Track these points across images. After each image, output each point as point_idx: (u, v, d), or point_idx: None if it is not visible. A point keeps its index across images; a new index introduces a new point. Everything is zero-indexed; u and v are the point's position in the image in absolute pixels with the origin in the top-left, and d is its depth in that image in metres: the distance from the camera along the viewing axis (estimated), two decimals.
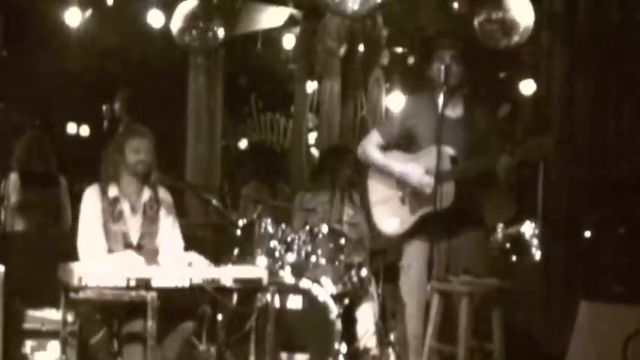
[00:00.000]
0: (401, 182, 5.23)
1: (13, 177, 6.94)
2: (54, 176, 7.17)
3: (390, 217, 5.24)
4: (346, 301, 5.81)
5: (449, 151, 5.02)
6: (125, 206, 4.97)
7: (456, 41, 5.25)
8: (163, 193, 5.14)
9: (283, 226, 5.77)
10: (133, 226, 4.97)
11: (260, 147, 10.90)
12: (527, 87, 9.06)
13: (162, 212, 5.08)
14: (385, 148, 5.36)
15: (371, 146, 5.40)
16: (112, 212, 4.93)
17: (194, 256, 4.88)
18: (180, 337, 4.78)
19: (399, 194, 5.26)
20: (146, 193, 5.04)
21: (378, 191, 5.32)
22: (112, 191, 4.97)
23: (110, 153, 5.10)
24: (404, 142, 5.29)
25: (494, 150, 4.99)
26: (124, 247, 4.89)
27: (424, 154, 5.12)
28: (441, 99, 4.95)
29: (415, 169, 5.16)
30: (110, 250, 4.86)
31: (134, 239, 4.95)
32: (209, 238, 6.82)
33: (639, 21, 5.64)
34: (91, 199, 4.96)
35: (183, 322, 4.78)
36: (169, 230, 5.08)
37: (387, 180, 5.32)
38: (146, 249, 4.93)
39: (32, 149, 7.09)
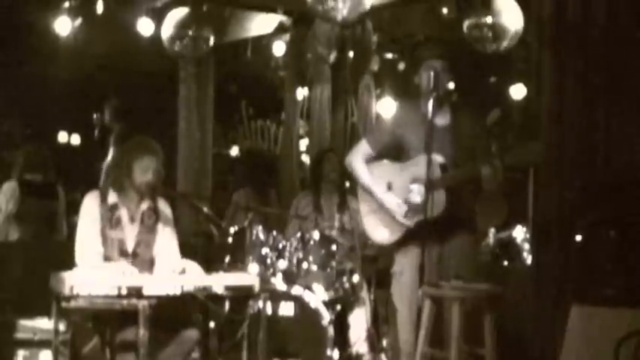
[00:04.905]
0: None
1: (10, 186, 6.94)
2: (53, 187, 7.18)
3: (382, 226, 5.22)
4: (338, 307, 5.82)
5: (438, 159, 4.99)
6: (124, 213, 4.95)
7: (445, 49, 5.24)
8: (163, 205, 5.11)
9: (274, 233, 5.77)
10: (130, 233, 4.95)
11: (251, 154, 10.90)
12: (518, 91, 9.11)
13: (160, 224, 5.05)
14: (375, 157, 5.31)
15: (358, 159, 5.32)
16: (110, 219, 4.92)
17: (188, 263, 4.87)
18: (182, 348, 4.77)
19: None
20: (145, 203, 5.01)
21: (369, 201, 5.30)
22: (112, 198, 4.96)
23: (115, 165, 5.07)
24: (393, 150, 5.27)
25: (483, 156, 4.99)
26: (119, 254, 4.88)
27: (413, 163, 5.08)
28: (430, 107, 4.89)
29: (393, 200, 5.13)
30: (106, 257, 4.85)
31: (130, 247, 4.93)
32: (200, 246, 6.81)
33: (627, 25, 5.65)
34: (91, 204, 4.95)
35: (185, 331, 4.76)
36: (166, 242, 5.05)
37: None
38: (141, 258, 4.92)
39: (32, 160, 7.11)
